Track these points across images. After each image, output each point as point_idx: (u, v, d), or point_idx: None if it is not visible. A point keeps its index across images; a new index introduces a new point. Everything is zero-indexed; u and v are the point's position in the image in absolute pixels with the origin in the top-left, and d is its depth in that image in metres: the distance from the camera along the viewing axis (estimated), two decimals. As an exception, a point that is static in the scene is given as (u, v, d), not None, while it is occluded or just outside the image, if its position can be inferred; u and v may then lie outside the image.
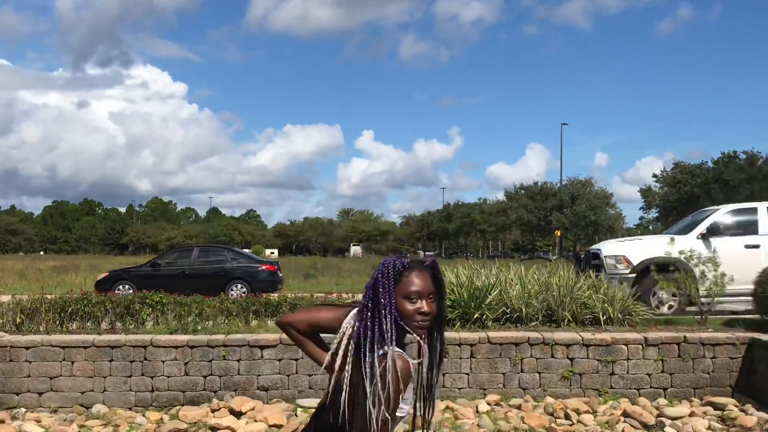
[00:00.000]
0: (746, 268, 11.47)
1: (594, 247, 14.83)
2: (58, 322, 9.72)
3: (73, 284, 21.04)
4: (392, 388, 2.37)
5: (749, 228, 13.12)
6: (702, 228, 13.12)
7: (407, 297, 2.54)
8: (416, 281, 2.56)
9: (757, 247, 12.86)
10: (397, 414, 2.45)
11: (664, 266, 12.13)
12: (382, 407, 2.36)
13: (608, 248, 13.70)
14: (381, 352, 2.42)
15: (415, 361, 2.54)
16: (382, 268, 2.56)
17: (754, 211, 13.41)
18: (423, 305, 2.54)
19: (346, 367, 2.48)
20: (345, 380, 2.46)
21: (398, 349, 2.44)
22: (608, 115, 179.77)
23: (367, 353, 2.42)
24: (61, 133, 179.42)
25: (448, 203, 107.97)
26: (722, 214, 13.39)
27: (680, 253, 11.60)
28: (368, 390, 2.37)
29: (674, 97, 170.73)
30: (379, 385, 2.36)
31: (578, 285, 10.49)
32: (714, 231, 13.01)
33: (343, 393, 2.45)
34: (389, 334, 2.45)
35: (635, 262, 12.84)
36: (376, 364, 2.40)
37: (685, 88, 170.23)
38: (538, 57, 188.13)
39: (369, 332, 2.45)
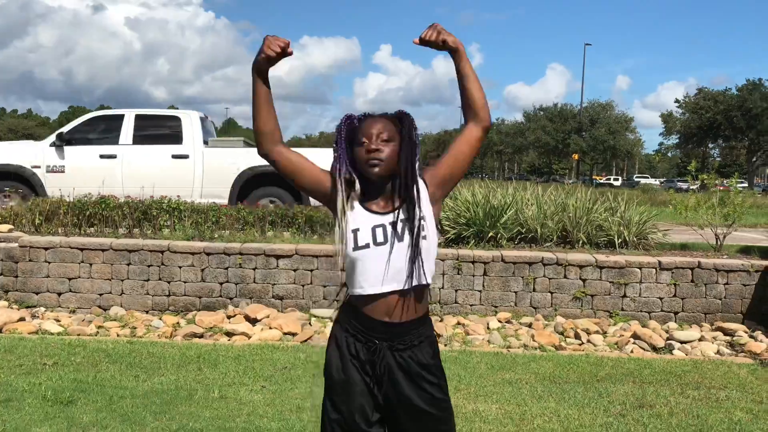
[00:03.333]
0: (101, 180, 11.56)
1: None
2: (76, 225, 9.82)
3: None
4: None
5: (110, 137, 12.88)
6: (55, 136, 12.79)
7: (359, 142, 2.57)
8: (366, 125, 2.58)
9: (113, 157, 12.66)
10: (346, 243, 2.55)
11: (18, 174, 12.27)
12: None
13: None
14: None
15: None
16: (337, 124, 2.64)
17: (119, 118, 13.09)
18: (371, 145, 2.54)
19: None
20: None
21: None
22: (632, 36, 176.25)
23: None
24: (77, 37, 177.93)
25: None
26: (82, 121, 13.11)
27: (32, 161, 11.62)
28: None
29: (701, 20, 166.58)
30: None
31: (595, 207, 10.45)
32: (70, 139, 12.71)
33: None
34: (341, 185, 2.56)
35: None
36: None
37: (714, 11, 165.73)
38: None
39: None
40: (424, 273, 2.54)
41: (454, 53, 2.62)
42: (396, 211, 2.55)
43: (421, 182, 2.60)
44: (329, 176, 2.64)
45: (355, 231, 2.54)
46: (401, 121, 2.62)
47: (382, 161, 2.53)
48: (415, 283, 2.52)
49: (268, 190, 12.77)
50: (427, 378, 2.60)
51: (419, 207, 2.54)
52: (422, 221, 2.53)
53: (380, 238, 2.52)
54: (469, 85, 2.62)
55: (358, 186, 2.58)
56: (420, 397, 2.59)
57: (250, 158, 12.61)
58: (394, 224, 2.53)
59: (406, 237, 2.51)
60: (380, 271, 2.51)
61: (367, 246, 2.52)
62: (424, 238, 2.53)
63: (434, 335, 2.71)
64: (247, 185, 12.80)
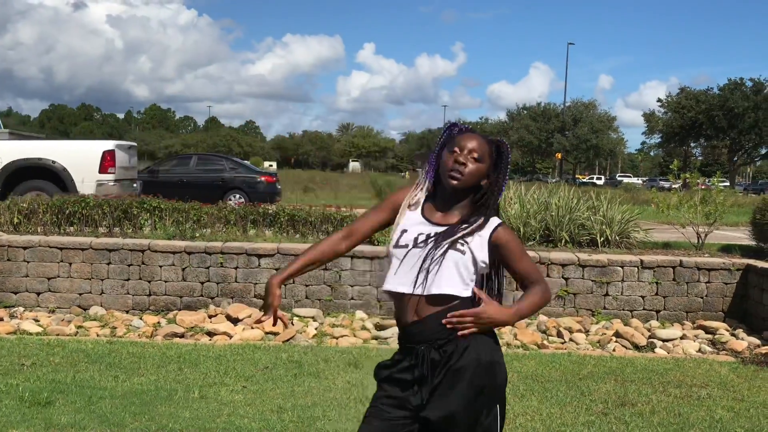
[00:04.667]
0: None
1: None
2: (55, 224, 9.72)
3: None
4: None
5: None
6: None
7: (450, 150, 2.61)
8: (465, 138, 2.62)
9: None
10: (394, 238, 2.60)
11: None
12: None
13: None
14: None
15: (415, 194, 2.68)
16: (443, 128, 2.72)
17: None
18: (460, 156, 2.57)
19: None
20: None
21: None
22: (615, 36, 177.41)
23: None
24: (58, 34, 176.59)
25: (449, 121, 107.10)
26: None
27: None
28: None
29: (683, 20, 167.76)
30: None
31: (577, 206, 10.47)
32: None
33: None
34: (421, 179, 2.69)
35: None
36: None
37: (695, 11, 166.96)
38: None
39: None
40: (449, 283, 2.51)
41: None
42: (450, 227, 2.58)
43: (494, 221, 2.60)
44: (393, 198, 2.73)
45: (403, 231, 2.61)
46: (498, 150, 2.66)
47: (463, 176, 2.56)
48: (436, 291, 2.51)
49: (34, 183, 12.90)
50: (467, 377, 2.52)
51: (472, 232, 2.56)
52: (464, 246, 2.54)
53: (421, 243, 2.56)
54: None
55: (428, 187, 2.68)
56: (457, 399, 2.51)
57: (15, 151, 12.75)
58: (437, 234, 2.56)
59: (443, 246, 2.52)
60: (409, 273, 2.54)
61: (406, 246, 2.57)
62: (461, 252, 2.53)
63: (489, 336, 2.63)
64: (12, 178, 12.90)
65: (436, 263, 2.49)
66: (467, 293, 2.54)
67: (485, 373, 2.51)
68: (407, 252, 2.54)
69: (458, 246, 2.51)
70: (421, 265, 2.50)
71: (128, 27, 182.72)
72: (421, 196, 2.66)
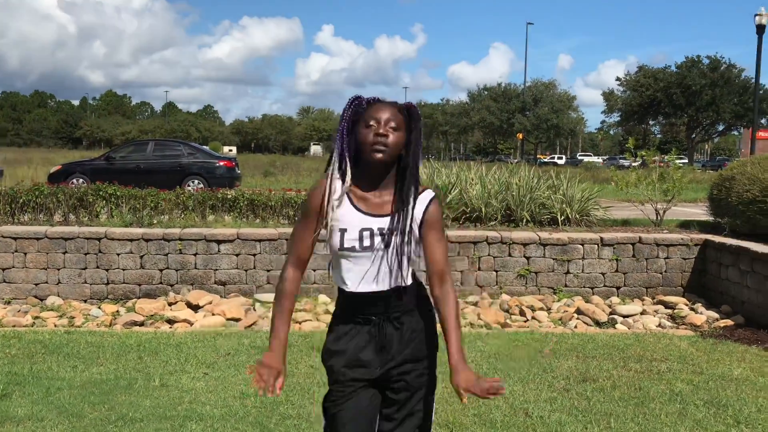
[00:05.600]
0: None
1: None
2: (8, 214, 9.50)
3: (25, 177, 20.56)
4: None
5: None
6: None
7: (366, 124, 2.53)
8: (377, 109, 2.54)
9: None
10: (331, 225, 2.54)
11: None
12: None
13: None
14: None
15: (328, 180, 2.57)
16: (346, 103, 2.59)
17: None
18: (379, 127, 2.50)
19: None
20: None
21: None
22: (574, 15, 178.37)
23: None
24: (7, 20, 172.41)
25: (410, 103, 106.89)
26: None
27: None
28: None
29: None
30: None
31: (538, 185, 10.52)
32: None
33: None
34: (334, 162, 2.56)
35: None
36: None
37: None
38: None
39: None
40: (405, 276, 2.57)
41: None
42: (388, 217, 2.54)
43: (428, 195, 2.60)
44: (311, 203, 2.60)
45: (342, 231, 2.54)
46: (410, 114, 2.58)
47: (388, 147, 2.49)
48: (396, 284, 2.56)
49: None
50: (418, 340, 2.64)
51: (413, 217, 2.54)
52: (412, 230, 2.54)
53: (366, 243, 2.52)
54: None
55: (349, 177, 2.55)
56: (413, 351, 2.62)
57: None
58: (382, 231, 2.52)
59: (393, 244, 2.51)
60: (363, 274, 2.55)
61: (352, 249, 2.53)
62: (408, 243, 2.53)
63: (429, 302, 2.69)
64: None
65: (395, 263, 2.53)
66: (410, 278, 2.62)
67: (431, 337, 2.69)
68: (355, 254, 2.54)
69: (407, 242, 2.53)
70: (380, 266, 2.53)
71: (81, 12, 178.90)
72: (340, 187, 2.56)
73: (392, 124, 2.51)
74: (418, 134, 2.57)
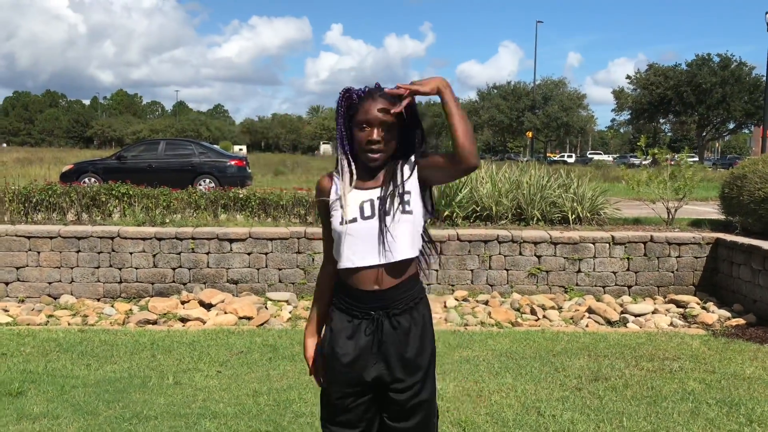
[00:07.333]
0: None
1: None
2: (22, 213, 9.56)
3: (38, 176, 20.68)
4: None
5: None
6: None
7: (359, 126, 2.51)
8: (367, 107, 2.50)
9: None
10: (333, 221, 2.53)
11: None
12: None
13: None
14: None
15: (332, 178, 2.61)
16: (337, 98, 2.57)
17: None
18: (372, 133, 2.48)
19: None
20: None
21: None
22: (583, 13, 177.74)
23: None
24: (19, 20, 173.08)
25: (419, 101, 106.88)
26: None
27: None
28: None
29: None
30: None
31: (548, 184, 10.51)
32: None
33: None
34: (338, 164, 2.57)
35: None
36: None
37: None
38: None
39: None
40: (408, 247, 2.53)
41: (440, 95, 2.47)
42: (383, 187, 2.53)
43: (410, 162, 2.58)
44: (321, 208, 2.65)
45: (343, 207, 2.54)
46: (405, 107, 2.51)
47: (383, 152, 2.51)
48: (399, 257, 2.51)
49: None
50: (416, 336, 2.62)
51: (402, 182, 2.52)
52: (408, 196, 2.52)
53: (367, 212, 2.51)
54: (451, 121, 2.43)
55: (354, 172, 2.56)
56: (410, 349, 2.60)
57: None
58: (381, 199, 2.51)
59: (393, 210, 2.49)
60: (368, 244, 2.50)
61: (354, 220, 2.51)
62: (409, 212, 2.51)
63: (426, 297, 2.70)
64: None
65: (393, 230, 2.49)
66: (416, 252, 2.58)
67: (428, 334, 2.66)
68: (357, 225, 2.51)
69: (406, 207, 2.50)
70: (379, 235, 2.49)
71: (91, 11, 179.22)
72: (345, 185, 2.56)
73: (385, 125, 2.48)
74: (415, 121, 2.56)
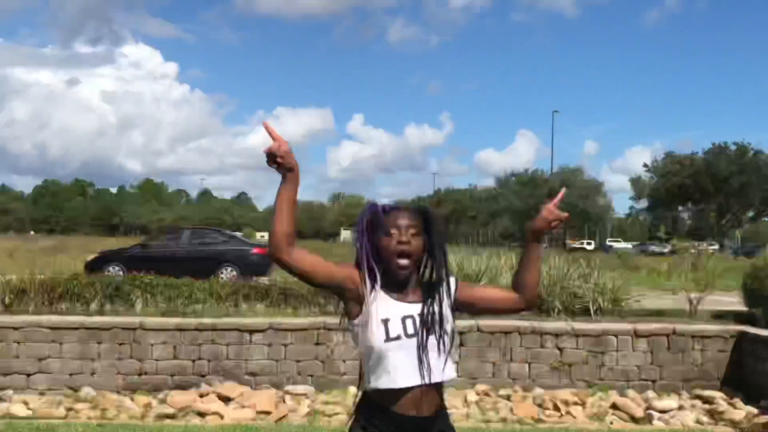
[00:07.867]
0: None
1: None
2: (47, 303, 9.66)
3: (64, 265, 20.89)
4: None
5: None
6: None
7: (386, 233, 2.50)
8: (395, 217, 2.52)
9: None
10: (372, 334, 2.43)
11: None
12: None
13: None
14: None
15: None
16: (360, 212, 2.58)
17: None
18: (401, 235, 2.48)
19: None
20: None
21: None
22: (598, 103, 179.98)
23: None
24: (52, 111, 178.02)
25: (438, 188, 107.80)
26: None
27: None
28: None
29: (663, 86, 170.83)
30: None
31: (569, 273, 10.49)
32: None
33: None
34: (365, 273, 2.48)
35: None
36: None
37: (675, 77, 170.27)
38: (527, 44, 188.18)
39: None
40: (449, 368, 2.52)
41: (539, 236, 2.64)
42: (423, 304, 2.50)
43: (452, 280, 2.60)
44: (345, 269, 2.55)
45: (385, 321, 2.45)
46: (426, 218, 2.57)
47: (413, 254, 2.49)
48: (442, 378, 2.49)
49: None
50: None
51: (447, 301, 2.53)
52: (447, 313, 2.52)
53: (410, 330, 2.45)
54: (533, 266, 2.64)
55: (379, 276, 2.51)
56: None
57: None
58: (422, 315, 2.48)
59: (436, 329, 2.47)
60: (411, 364, 2.44)
61: (398, 338, 2.44)
62: (447, 333, 2.51)
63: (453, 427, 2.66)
64: None
65: (437, 352, 2.46)
66: (455, 373, 2.59)
67: None
68: (402, 342, 2.44)
69: (446, 328, 2.49)
70: (422, 355, 2.44)
71: (122, 102, 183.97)
72: (376, 285, 2.51)
73: (413, 231, 2.49)
74: (437, 236, 2.56)
